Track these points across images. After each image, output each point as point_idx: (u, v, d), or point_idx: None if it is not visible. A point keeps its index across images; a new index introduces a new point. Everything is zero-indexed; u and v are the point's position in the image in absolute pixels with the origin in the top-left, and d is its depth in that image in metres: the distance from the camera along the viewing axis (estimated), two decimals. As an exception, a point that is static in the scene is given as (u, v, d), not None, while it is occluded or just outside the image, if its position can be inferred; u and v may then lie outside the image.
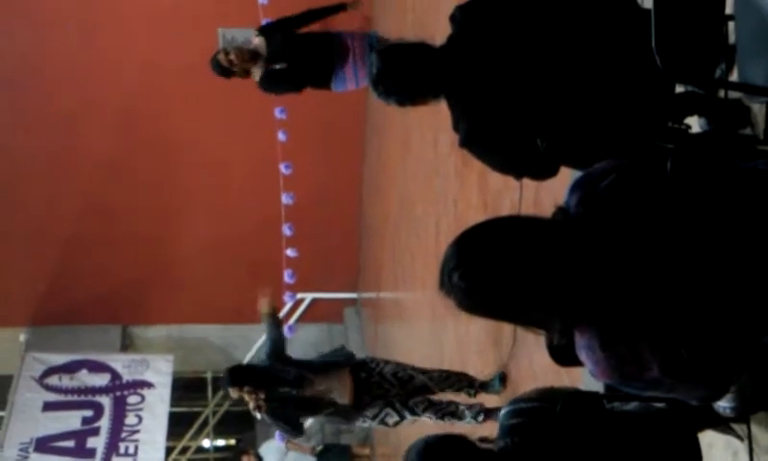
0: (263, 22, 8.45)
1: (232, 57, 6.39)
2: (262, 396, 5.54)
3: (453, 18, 3.27)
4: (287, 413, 5.68)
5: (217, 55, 6.49)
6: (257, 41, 6.53)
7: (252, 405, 5.59)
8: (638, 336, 1.99)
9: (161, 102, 11.55)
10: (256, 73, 6.45)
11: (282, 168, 9.90)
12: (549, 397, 2.65)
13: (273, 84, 6.61)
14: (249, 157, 11.50)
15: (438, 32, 3.37)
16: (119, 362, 11.56)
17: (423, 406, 5.75)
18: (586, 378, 3.20)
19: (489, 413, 5.75)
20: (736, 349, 2.04)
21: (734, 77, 2.96)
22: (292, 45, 6.47)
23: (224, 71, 6.47)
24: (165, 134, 11.77)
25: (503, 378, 5.92)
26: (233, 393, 5.64)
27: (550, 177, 3.31)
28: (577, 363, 2.14)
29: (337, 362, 5.87)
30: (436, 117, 6.16)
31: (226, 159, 11.80)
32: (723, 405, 2.61)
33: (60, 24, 11.17)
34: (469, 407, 5.80)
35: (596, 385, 2.57)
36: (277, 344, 5.94)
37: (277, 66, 6.42)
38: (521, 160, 3.25)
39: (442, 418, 5.76)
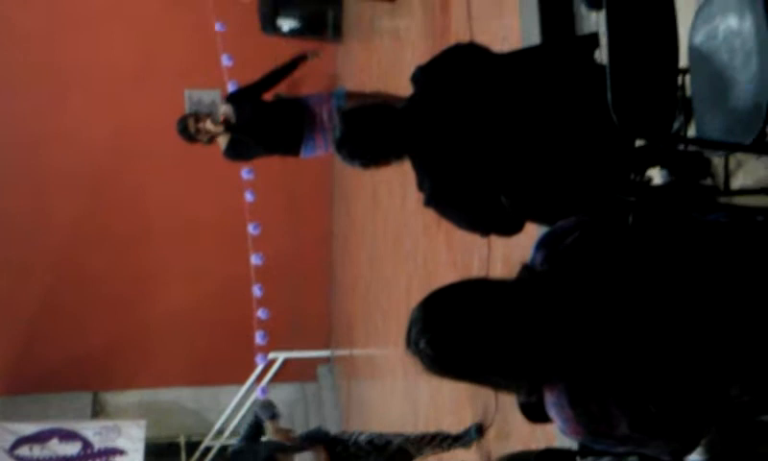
0: (230, 88, 8.51)
1: (201, 125, 6.38)
2: None
3: (414, 78, 3.29)
4: None
5: (185, 120, 6.48)
6: (225, 109, 6.53)
7: None
8: (606, 393, 1.99)
9: (130, 165, 11.54)
10: (222, 141, 6.45)
11: (251, 229, 9.89)
12: (521, 460, 2.64)
13: (240, 152, 6.62)
14: (217, 218, 11.49)
15: (402, 88, 3.40)
16: (90, 430, 11.39)
17: None
18: (560, 435, 3.19)
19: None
20: (704, 402, 2.04)
21: (693, 129, 2.99)
22: (261, 116, 6.48)
23: (189, 137, 6.46)
24: (134, 197, 11.75)
25: (480, 429, 5.90)
26: None
27: (516, 233, 3.33)
28: (549, 420, 2.13)
29: (312, 440, 5.87)
30: (403, 176, 6.19)
31: (194, 221, 11.78)
32: (695, 459, 2.60)
33: (28, 88, 11.18)
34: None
35: (570, 441, 2.56)
36: (255, 430, 5.92)
37: (243, 138, 6.42)
38: (486, 218, 3.26)
39: None
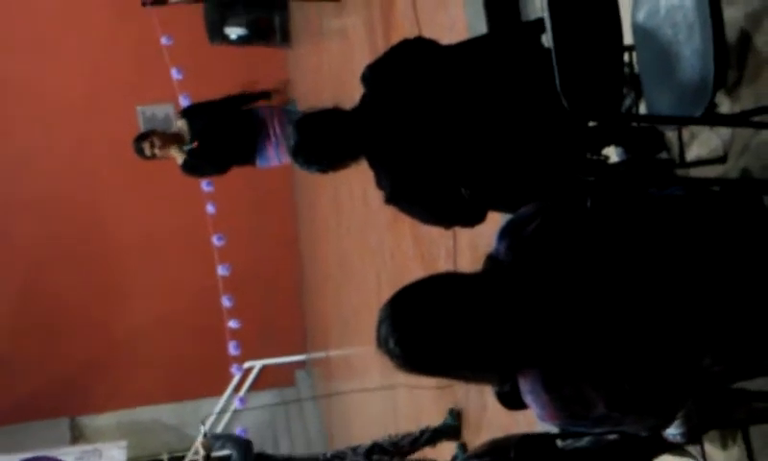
0: (182, 101, 8.45)
1: (155, 140, 6.34)
2: None
3: (364, 78, 3.29)
4: None
5: (140, 141, 6.43)
6: (180, 124, 6.51)
7: None
8: (580, 375, 2.00)
9: (88, 184, 11.49)
10: (179, 157, 6.42)
11: (215, 240, 9.84)
12: (500, 447, 2.65)
13: (196, 167, 6.62)
14: (181, 231, 11.44)
15: (355, 88, 3.39)
16: (71, 455, 11.24)
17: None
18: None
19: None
20: (677, 375, 2.06)
21: (644, 105, 3.02)
22: (213, 127, 6.46)
23: (146, 157, 6.44)
24: (96, 216, 11.69)
25: (456, 414, 5.91)
26: None
27: (478, 223, 3.33)
28: (526, 407, 2.14)
29: None
30: (362, 173, 6.18)
31: (158, 236, 11.73)
32: (673, 432, 2.63)
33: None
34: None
35: (551, 426, 2.57)
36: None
37: (192, 146, 6.38)
38: (447, 211, 3.26)
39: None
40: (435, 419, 6.13)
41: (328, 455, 5.93)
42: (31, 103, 11.30)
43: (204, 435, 5.74)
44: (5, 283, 11.61)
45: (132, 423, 12.64)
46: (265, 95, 6.93)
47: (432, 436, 5.97)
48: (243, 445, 5.69)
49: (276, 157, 6.57)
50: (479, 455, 2.67)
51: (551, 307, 2.00)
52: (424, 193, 3.19)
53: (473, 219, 3.30)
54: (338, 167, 3.29)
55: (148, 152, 6.38)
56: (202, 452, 5.53)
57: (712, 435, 2.97)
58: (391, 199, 3.22)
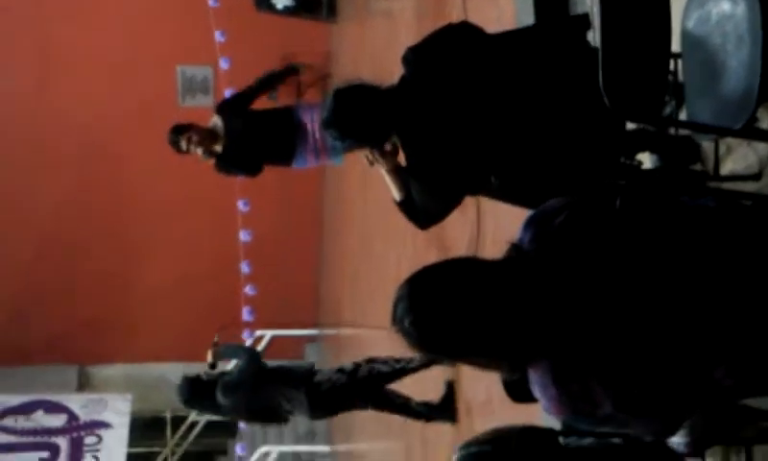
0: (222, 64, 8.47)
1: (193, 136, 6.31)
2: None
3: (405, 60, 3.29)
4: None
5: (177, 134, 6.40)
6: (215, 120, 6.46)
7: None
8: (590, 373, 2.00)
9: (118, 141, 11.53)
10: (205, 158, 6.45)
11: (240, 205, 9.88)
12: (502, 437, 2.66)
13: (229, 166, 6.62)
14: (206, 194, 11.46)
15: (395, 68, 3.39)
16: (76, 402, 11.37)
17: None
18: (542, 413, 3.21)
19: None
20: (688, 384, 2.05)
21: (684, 114, 3.00)
22: (251, 133, 6.41)
23: (180, 149, 6.44)
24: (122, 173, 11.74)
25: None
26: None
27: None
28: (532, 400, 2.14)
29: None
30: (394, 154, 6.19)
31: (183, 197, 11.77)
32: (677, 441, 2.62)
33: (15, 67, 11.14)
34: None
35: (553, 420, 2.57)
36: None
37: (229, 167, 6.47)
38: (457, 195, 3.28)
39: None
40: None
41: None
42: (71, 55, 11.35)
43: (215, 344, 6.06)
44: (29, 230, 11.71)
45: (139, 377, 12.71)
46: (292, 69, 6.91)
47: (425, 410, 5.98)
48: (249, 352, 5.98)
49: (314, 160, 6.58)
50: (480, 442, 2.67)
51: (569, 302, 2.00)
52: (446, 175, 3.18)
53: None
54: (369, 143, 3.29)
55: (184, 146, 6.36)
56: (210, 360, 5.95)
57: (715, 450, 2.96)
58: (407, 170, 3.22)
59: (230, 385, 5.75)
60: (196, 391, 5.88)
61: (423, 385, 6.20)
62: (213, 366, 5.89)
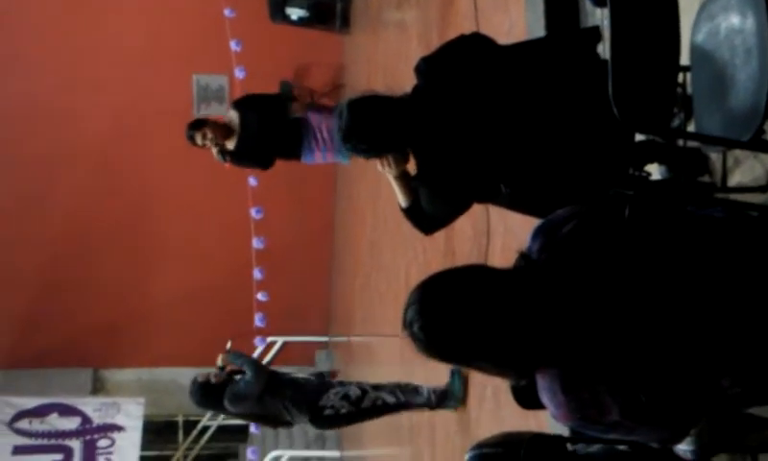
0: (237, 73, 8.58)
1: (207, 131, 6.55)
2: None
3: (418, 70, 3.31)
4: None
5: (193, 130, 6.62)
6: (232, 115, 6.67)
7: None
8: (598, 380, 2.02)
9: (134, 147, 11.59)
10: (228, 145, 6.60)
11: (253, 213, 9.93)
12: (513, 441, 2.68)
13: (242, 160, 6.83)
14: (220, 201, 11.53)
15: (407, 79, 3.43)
16: (90, 406, 11.42)
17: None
18: (550, 420, 3.24)
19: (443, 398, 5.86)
20: (695, 392, 2.07)
21: (692, 126, 3.03)
22: (265, 125, 6.62)
23: (195, 144, 6.65)
24: (137, 179, 11.80)
25: (458, 373, 5.92)
26: None
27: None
28: (540, 406, 2.17)
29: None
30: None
31: (197, 203, 11.82)
32: (684, 448, 2.64)
33: (36, 71, 11.22)
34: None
35: (561, 427, 2.60)
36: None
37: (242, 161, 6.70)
38: (465, 203, 3.31)
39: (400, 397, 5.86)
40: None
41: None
42: (88, 59, 11.43)
43: (227, 351, 6.19)
44: (46, 231, 11.77)
45: (152, 381, 12.78)
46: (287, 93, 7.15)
47: (430, 399, 5.98)
48: (255, 366, 6.03)
49: (322, 159, 6.77)
50: (491, 445, 2.70)
51: (577, 310, 2.02)
52: (457, 183, 3.22)
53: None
54: (383, 154, 3.32)
55: (200, 141, 6.58)
56: (219, 363, 6.04)
57: (721, 458, 2.97)
58: (418, 178, 3.25)
59: (238, 396, 5.90)
60: (205, 394, 6.02)
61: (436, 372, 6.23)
62: (222, 369, 6.04)
